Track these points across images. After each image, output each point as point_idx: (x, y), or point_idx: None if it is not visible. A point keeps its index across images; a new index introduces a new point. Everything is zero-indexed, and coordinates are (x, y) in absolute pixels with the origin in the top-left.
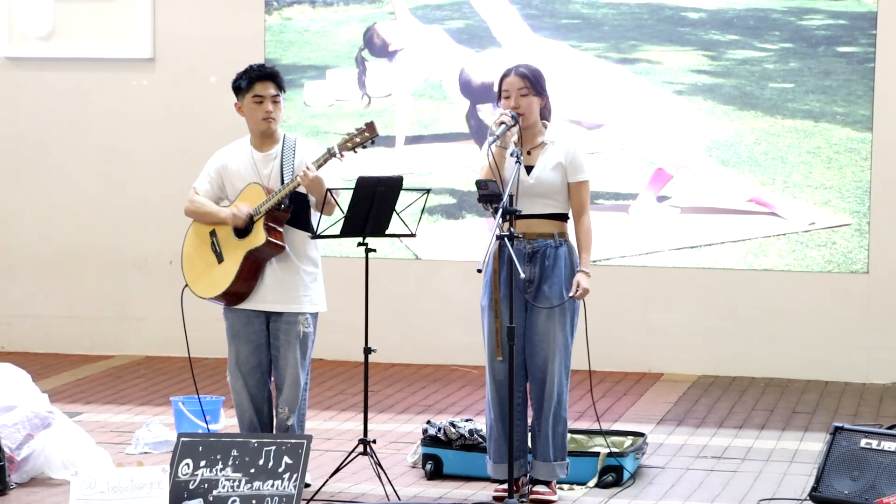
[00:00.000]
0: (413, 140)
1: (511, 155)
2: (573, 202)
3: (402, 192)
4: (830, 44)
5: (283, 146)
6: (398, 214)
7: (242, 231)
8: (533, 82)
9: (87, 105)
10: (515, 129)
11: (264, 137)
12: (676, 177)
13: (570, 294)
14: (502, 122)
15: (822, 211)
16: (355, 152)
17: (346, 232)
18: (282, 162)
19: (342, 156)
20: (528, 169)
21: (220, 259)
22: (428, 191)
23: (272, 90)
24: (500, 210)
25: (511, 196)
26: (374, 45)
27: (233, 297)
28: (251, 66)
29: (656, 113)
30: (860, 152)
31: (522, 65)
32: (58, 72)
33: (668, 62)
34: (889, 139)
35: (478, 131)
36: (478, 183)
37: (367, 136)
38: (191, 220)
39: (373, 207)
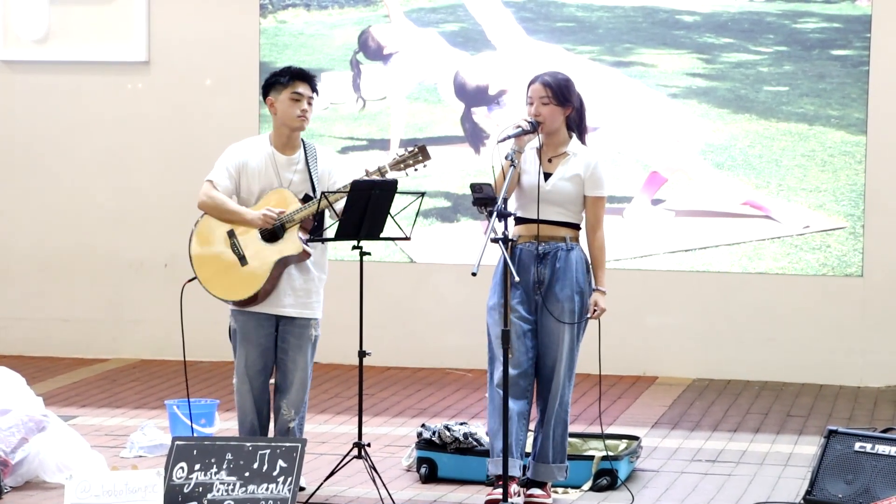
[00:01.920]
0: (408, 143)
1: (506, 158)
2: (588, 216)
3: (396, 196)
4: (825, 47)
5: (305, 153)
6: (393, 218)
7: (270, 235)
8: (555, 91)
9: (82, 108)
10: (533, 136)
11: (290, 139)
12: (671, 180)
13: (588, 316)
14: (518, 126)
15: (816, 214)
16: (406, 174)
17: (340, 235)
18: (308, 169)
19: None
20: (547, 176)
21: (243, 262)
22: (423, 194)
23: (310, 91)
24: (495, 213)
25: (505, 199)
26: (368, 48)
27: (258, 299)
28: (291, 66)
29: (651, 116)
30: (855, 155)
31: (549, 73)
32: (53, 75)
33: (663, 65)
34: (883, 142)
35: (473, 134)
36: (472, 186)
37: (420, 159)
38: (201, 213)
39: (367, 211)
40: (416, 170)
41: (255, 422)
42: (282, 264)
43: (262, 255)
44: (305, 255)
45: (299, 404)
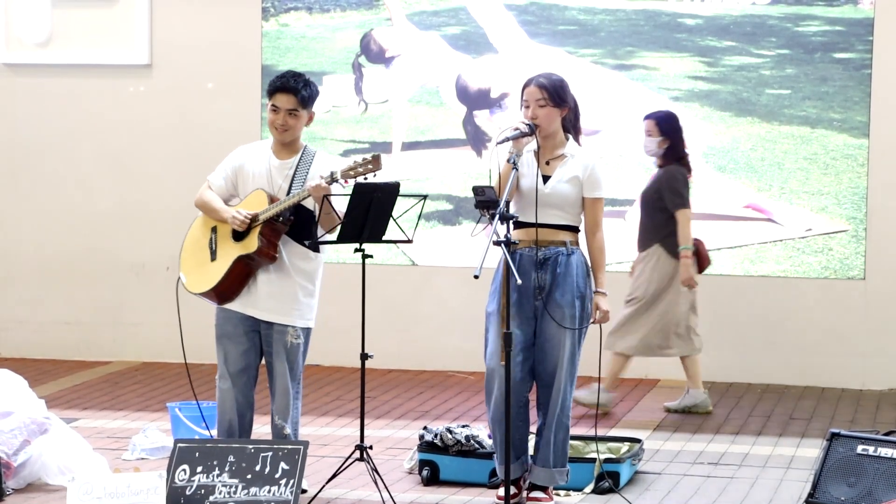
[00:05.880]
0: (410, 146)
1: (508, 161)
2: (587, 218)
3: (398, 199)
4: (827, 50)
5: (300, 158)
6: (395, 220)
7: (241, 234)
8: (551, 93)
9: (84, 111)
10: (531, 139)
11: (283, 145)
12: None
13: (592, 320)
14: (517, 128)
15: (818, 217)
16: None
17: (343, 238)
18: (294, 175)
19: (346, 182)
20: (546, 178)
21: (213, 257)
22: (425, 197)
23: (289, 104)
24: (498, 216)
25: (507, 202)
26: (370, 52)
27: (219, 295)
28: (280, 75)
29: None
30: (857, 158)
31: (544, 74)
32: (55, 78)
33: (665, 68)
34: (886, 145)
35: (475, 137)
36: (475, 189)
37: (371, 168)
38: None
39: (370, 214)
40: (365, 178)
41: (234, 421)
42: (242, 262)
43: (227, 252)
44: (266, 255)
45: (285, 411)
